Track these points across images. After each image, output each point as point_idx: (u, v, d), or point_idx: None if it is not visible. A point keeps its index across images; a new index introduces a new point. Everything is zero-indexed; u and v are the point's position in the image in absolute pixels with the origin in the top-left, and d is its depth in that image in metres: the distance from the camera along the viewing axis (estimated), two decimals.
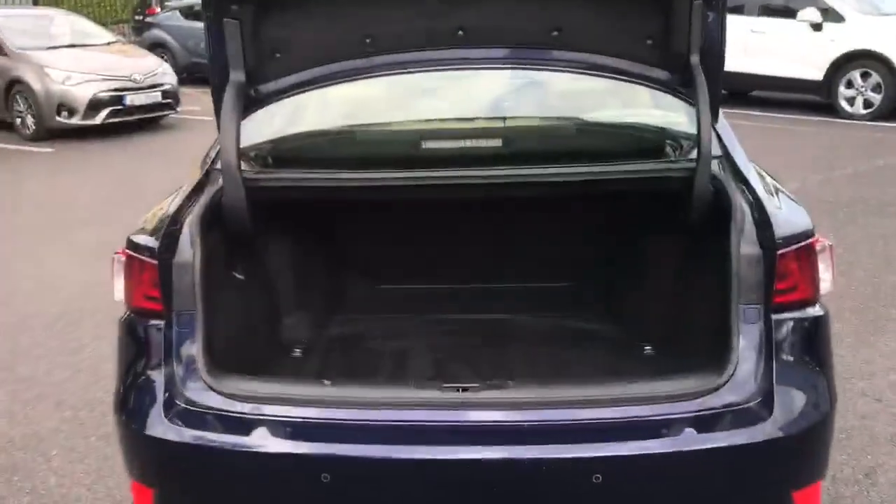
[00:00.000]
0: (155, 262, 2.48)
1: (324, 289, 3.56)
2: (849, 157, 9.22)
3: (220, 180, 2.73)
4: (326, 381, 2.44)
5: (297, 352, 3.22)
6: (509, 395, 2.32)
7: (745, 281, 2.37)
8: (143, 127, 11.86)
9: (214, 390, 2.37)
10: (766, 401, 2.29)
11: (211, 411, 2.36)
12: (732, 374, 2.31)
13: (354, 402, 2.33)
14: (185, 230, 2.52)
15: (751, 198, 2.53)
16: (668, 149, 2.96)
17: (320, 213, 3.40)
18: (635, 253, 3.33)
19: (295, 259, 3.35)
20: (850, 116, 11.53)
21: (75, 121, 11.19)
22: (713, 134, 2.68)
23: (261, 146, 3.04)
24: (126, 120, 11.57)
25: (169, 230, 2.51)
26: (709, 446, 2.23)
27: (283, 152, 3.10)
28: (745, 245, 2.40)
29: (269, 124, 3.13)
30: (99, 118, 11.27)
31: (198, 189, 2.74)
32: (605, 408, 2.28)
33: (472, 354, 3.13)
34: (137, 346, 2.56)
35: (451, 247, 3.63)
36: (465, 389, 2.33)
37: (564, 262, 3.66)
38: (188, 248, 2.48)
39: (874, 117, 11.32)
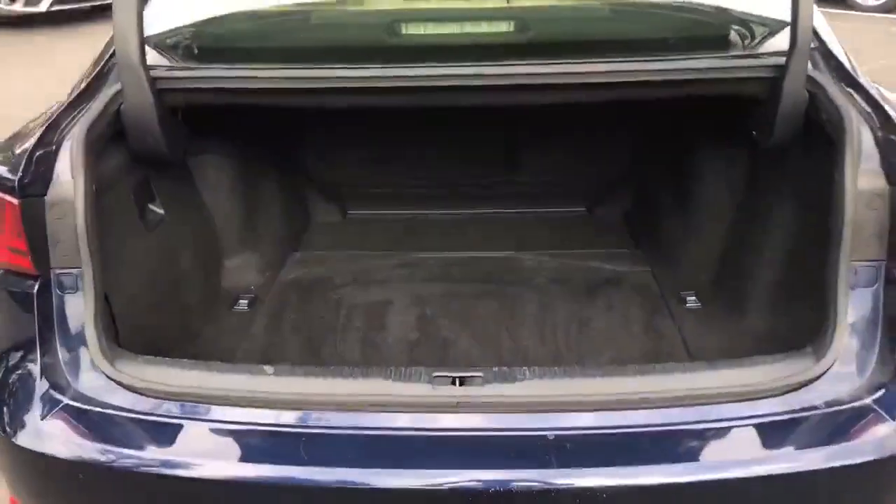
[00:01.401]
0: (17, 200, 1.74)
1: (277, 220, 2.84)
2: (865, 54, 8.43)
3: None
4: (269, 368, 1.73)
5: (243, 304, 2.52)
6: (525, 390, 1.63)
7: (861, 228, 1.68)
8: (96, 16, 10.75)
9: (113, 380, 1.68)
10: (888, 399, 1.63)
11: (106, 411, 1.67)
12: (836, 360, 1.63)
13: (307, 402, 1.64)
14: (64, 153, 1.77)
15: (869, 110, 1.81)
16: (734, 37, 2.19)
17: (268, 122, 2.65)
18: (680, 173, 2.62)
19: (237, 183, 2.61)
20: (860, 7, 10.68)
21: (18, 7, 10.12)
22: None
23: (181, 32, 2.23)
24: (76, 7, 10.45)
25: (36, 154, 1.77)
26: (805, 467, 1.58)
27: (213, 40, 2.31)
28: (865, 177, 1.69)
29: (192, 2, 2.33)
30: (44, 5, 10.18)
31: (86, 94, 1.98)
32: (661, 409, 1.61)
33: (469, 312, 2.44)
34: (5, 319, 1.85)
35: (440, 163, 2.92)
36: (462, 382, 1.64)
37: (585, 183, 2.96)
38: (67, 179, 1.74)
39: (887, 9, 10.47)
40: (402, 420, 1.61)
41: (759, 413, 1.60)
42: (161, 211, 2.26)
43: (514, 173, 2.99)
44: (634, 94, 2.03)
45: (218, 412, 1.64)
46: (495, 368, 1.68)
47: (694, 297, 2.43)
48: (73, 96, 1.97)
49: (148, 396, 1.66)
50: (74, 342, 1.74)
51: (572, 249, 2.78)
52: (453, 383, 1.64)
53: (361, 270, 2.70)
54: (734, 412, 1.60)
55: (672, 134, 2.67)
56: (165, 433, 1.64)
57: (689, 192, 2.53)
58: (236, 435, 1.63)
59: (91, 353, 1.70)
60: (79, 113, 1.89)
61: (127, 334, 1.89)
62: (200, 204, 2.49)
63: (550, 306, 2.45)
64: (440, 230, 3.00)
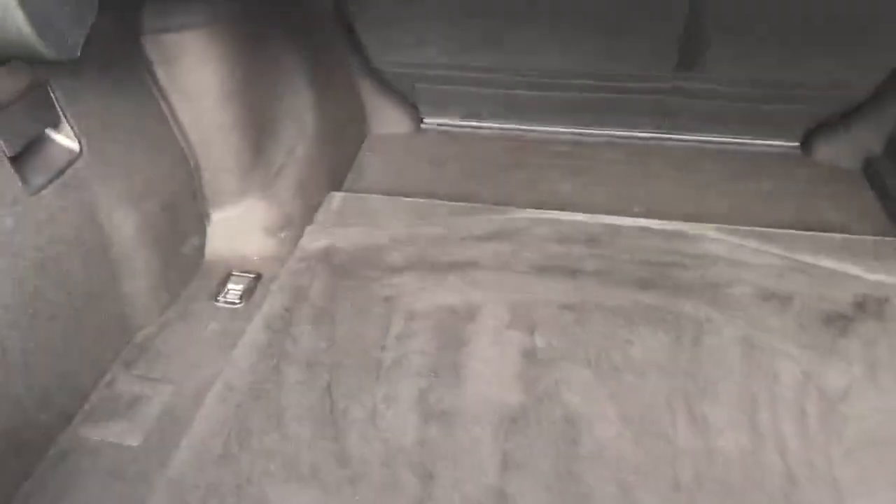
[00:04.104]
0: None
1: (305, 140, 1.77)
2: None
3: None
4: None
5: (235, 292, 1.52)
6: None
7: None
8: None
9: None
10: None
11: None
12: None
13: None
14: None
15: None
16: None
17: None
18: None
19: (235, 80, 1.53)
20: None
21: None
22: None
23: None
24: None
25: None
26: None
27: None
28: None
29: None
30: None
31: None
32: None
33: (613, 351, 1.38)
34: None
35: (571, 50, 1.87)
36: None
37: (807, 102, 1.83)
38: None
39: None
40: None
41: None
42: (74, 144, 1.25)
43: (691, 76, 1.86)
44: None
45: None
46: None
47: None
48: None
49: None
50: None
51: (787, 228, 1.67)
52: None
53: (433, 238, 1.65)
54: None
55: None
56: None
57: None
58: None
59: None
60: None
61: None
62: (164, 119, 1.45)
63: (765, 354, 1.36)
64: (563, 165, 1.92)
